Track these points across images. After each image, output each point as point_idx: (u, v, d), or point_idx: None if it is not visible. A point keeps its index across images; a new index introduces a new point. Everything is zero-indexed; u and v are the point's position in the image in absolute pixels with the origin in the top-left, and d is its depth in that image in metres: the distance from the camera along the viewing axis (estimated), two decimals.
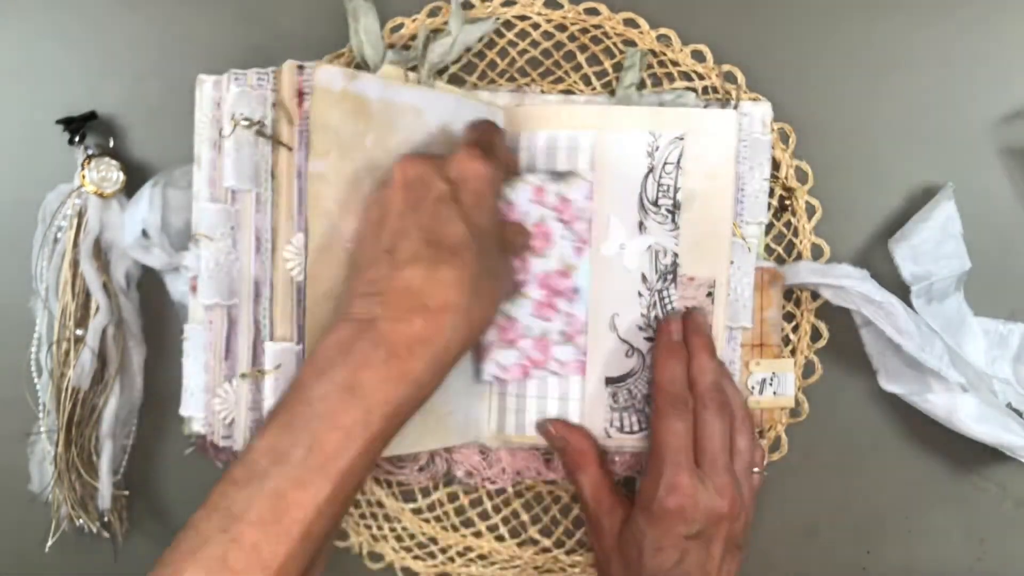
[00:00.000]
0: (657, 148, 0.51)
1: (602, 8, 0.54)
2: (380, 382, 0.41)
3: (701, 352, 0.50)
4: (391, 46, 0.54)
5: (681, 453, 0.48)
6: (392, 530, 0.56)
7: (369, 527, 0.56)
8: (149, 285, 0.54)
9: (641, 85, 0.54)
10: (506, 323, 0.51)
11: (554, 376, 0.52)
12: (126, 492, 0.54)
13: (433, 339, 0.42)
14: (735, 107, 0.52)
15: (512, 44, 0.55)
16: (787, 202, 0.55)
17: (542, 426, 0.52)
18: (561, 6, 0.54)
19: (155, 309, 0.54)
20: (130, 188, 0.52)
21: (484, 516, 0.56)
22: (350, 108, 0.47)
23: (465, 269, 0.43)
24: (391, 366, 0.41)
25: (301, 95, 0.46)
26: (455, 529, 0.56)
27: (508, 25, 0.55)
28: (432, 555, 0.56)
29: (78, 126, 0.52)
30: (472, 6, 0.54)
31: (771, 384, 0.53)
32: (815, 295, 0.55)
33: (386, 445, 0.42)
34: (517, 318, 0.51)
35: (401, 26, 0.54)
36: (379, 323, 0.42)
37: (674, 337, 0.50)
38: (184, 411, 0.50)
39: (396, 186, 0.45)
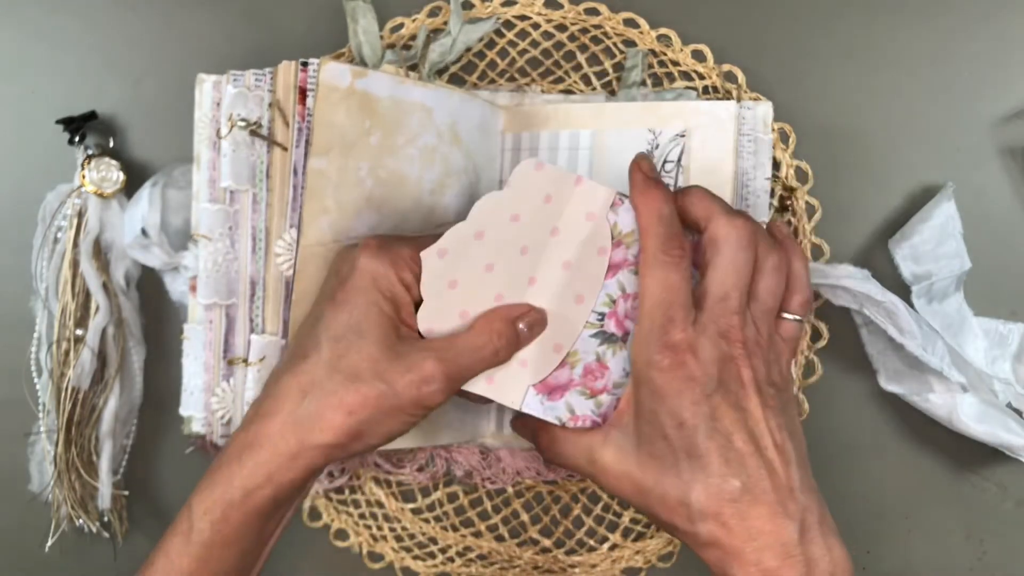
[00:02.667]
0: (657, 146, 0.51)
1: (602, 8, 0.54)
2: (207, 486, 0.42)
3: (699, 198, 0.44)
4: (391, 46, 0.54)
5: (674, 307, 0.41)
6: (392, 530, 0.56)
7: (369, 527, 0.56)
8: (149, 285, 0.54)
9: (641, 84, 0.54)
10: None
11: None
12: (126, 492, 0.54)
13: (257, 443, 0.42)
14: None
15: (512, 44, 0.55)
16: (787, 202, 0.55)
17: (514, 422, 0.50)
18: (561, 6, 0.54)
19: (155, 309, 0.54)
20: (130, 188, 0.52)
21: (484, 516, 0.56)
22: (356, 105, 0.46)
23: (303, 376, 0.42)
24: (220, 468, 0.42)
25: (303, 92, 0.46)
26: (455, 529, 0.56)
27: (508, 25, 0.55)
28: (432, 555, 0.56)
29: (78, 126, 0.52)
30: (472, 6, 0.54)
31: None
32: (815, 295, 0.55)
33: (249, 536, 0.43)
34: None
35: (401, 26, 0.54)
36: (246, 422, 0.43)
37: (649, 174, 0.45)
38: (184, 411, 0.50)
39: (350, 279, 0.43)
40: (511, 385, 0.45)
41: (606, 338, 0.46)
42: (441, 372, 0.42)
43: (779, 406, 0.42)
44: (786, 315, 0.44)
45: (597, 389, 0.46)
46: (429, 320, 0.43)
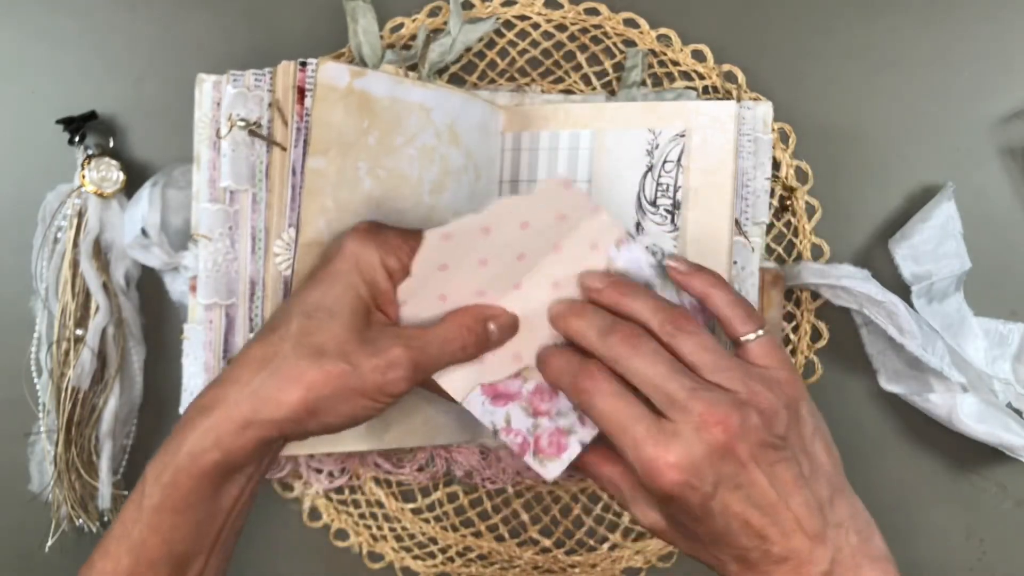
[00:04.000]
0: (657, 146, 0.51)
1: (602, 8, 0.54)
2: (161, 452, 0.42)
3: (566, 313, 0.44)
4: (391, 46, 0.54)
5: (628, 425, 0.40)
6: (392, 530, 0.56)
7: (369, 527, 0.56)
8: (149, 285, 0.54)
9: (641, 84, 0.54)
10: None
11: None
12: (126, 492, 0.54)
13: (209, 407, 0.41)
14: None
15: (512, 44, 0.55)
16: (787, 202, 0.55)
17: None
18: (561, 6, 0.54)
19: (155, 309, 0.54)
20: (130, 188, 0.52)
21: (484, 516, 0.56)
22: (355, 105, 0.46)
23: (268, 347, 0.42)
24: (175, 434, 0.42)
25: (302, 91, 0.46)
26: (455, 529, 0.56)
27: (508, 25, 0.55)
28: (432, 555, 0.56)
29: (78, 126, 0.52)
30: (472, 6, 0.54)
31: None
32: (815, 295, 0.55)
33: (201, 504, 0.42)
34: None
35: (401, 26, 0.54)
36: (204, 390, 0.43)
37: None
38: (184, 411, 0.50)
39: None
40: (460, 378, 0.45)
41: None
42: (408, 359, 0.42)
43: (790, 453, 0.40)
44: (744, 339, 0.42)
45: (540, 410, 0.45)
46: (408, 292, 0.44)
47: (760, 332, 0.42)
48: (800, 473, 0.40)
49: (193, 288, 0.49)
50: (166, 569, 0.41)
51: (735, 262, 0.51)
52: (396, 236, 0.44)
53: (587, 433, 0.45)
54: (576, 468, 0.46)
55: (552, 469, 0.45)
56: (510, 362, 0.45)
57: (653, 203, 0.51)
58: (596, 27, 0.54)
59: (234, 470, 0.42)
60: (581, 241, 0.45)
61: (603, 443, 0.44)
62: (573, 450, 0.45)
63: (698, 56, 0.54)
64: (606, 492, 0.47)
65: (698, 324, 0.42)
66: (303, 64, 0.46)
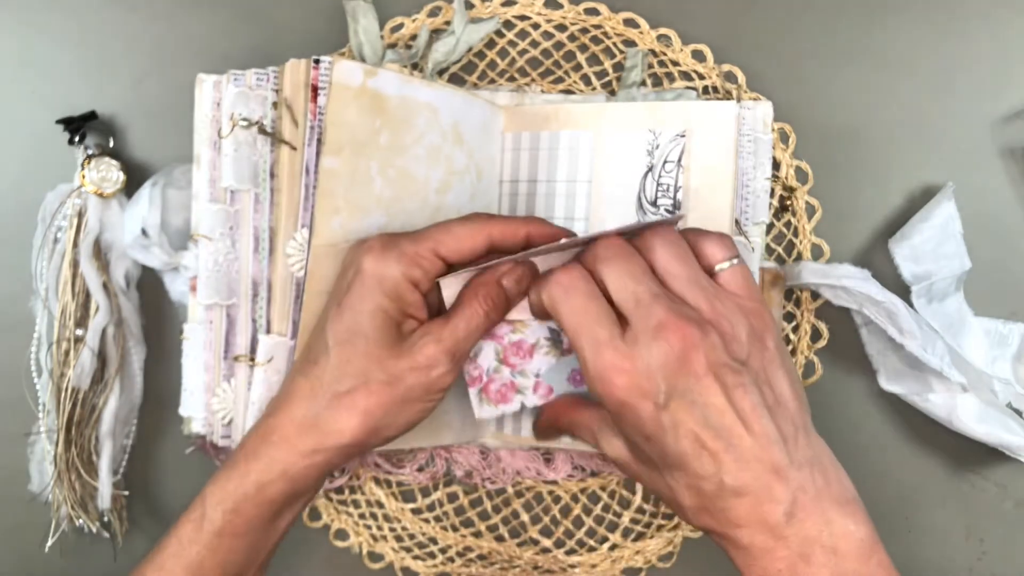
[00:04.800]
0: (657, 146, 0.51)
1: (602, 8, 0.54)
2: (223, 479, 0.43)
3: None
4: (391, 46, 0.54)
5: (593, 326, 0.40)
6: (392, 530, 0.56)
7: (369, 527, 0.56)
8: (149, 285, 0.54)
9: (641, 84, 0.54)
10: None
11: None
12: (126, 492, 0.54)
13: (273, 441, 0.43)
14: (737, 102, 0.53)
15: (512, 44, 0.55)
16: (787, 202, 0.55)
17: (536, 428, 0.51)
18: (561, 6, 0.54)
19: (155, 309, 0.54)
20: (130, 188, 0.52)
21: (484, 516, 0.56)
22: (367, 104, 0.46)
23: (315, 380, 0.43)
24: (238, 462, 0.43)
25: (315, 89, 0.46)
26: (455, 529, 0.56)
27: (508, 25, 0.55)
28: (432, 555, 0.56)
29: (78, 126, 0.52)
30: (472, 6, 0.54)
31: None
32: (815, 295, 0.55)
33: (260, 528, 0.44)
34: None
35: (401, 26, 0.54)
36: (264, 417, 0.45)
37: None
38: (184, 411, 0.50)
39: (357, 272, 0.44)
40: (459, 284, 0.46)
41: (555, 336, 0.47)
42: (443, 352, 0.43)
43: (751, 380, 0.39)
44: (718, 268, 0.42)
45: (509, 362, 0.48)
46: (453, 283, 0.45)
47: (734, 261, 0.41)
48: (762, 402, 0.39)
49: (193, 288, 0.49)
50: None
51: None
52: (410, 245, 0.43)
53: (533, 400, 0.47)
54: (555, 429, 0.49)
55: (486, 411, 0.48)
56: (516, 310, 0.46)
57: (653, 203, 0.51)
58: (596, 27, 0.54)
59: (297, 498, 0.44)
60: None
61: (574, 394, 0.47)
62: (512, 406, 0.48)
63: (698, 56, 0.54)
64: (580, 439, 0.48)
65: (681, 239, 0.41)
66: (316, 62, 0.46)
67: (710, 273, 0.42)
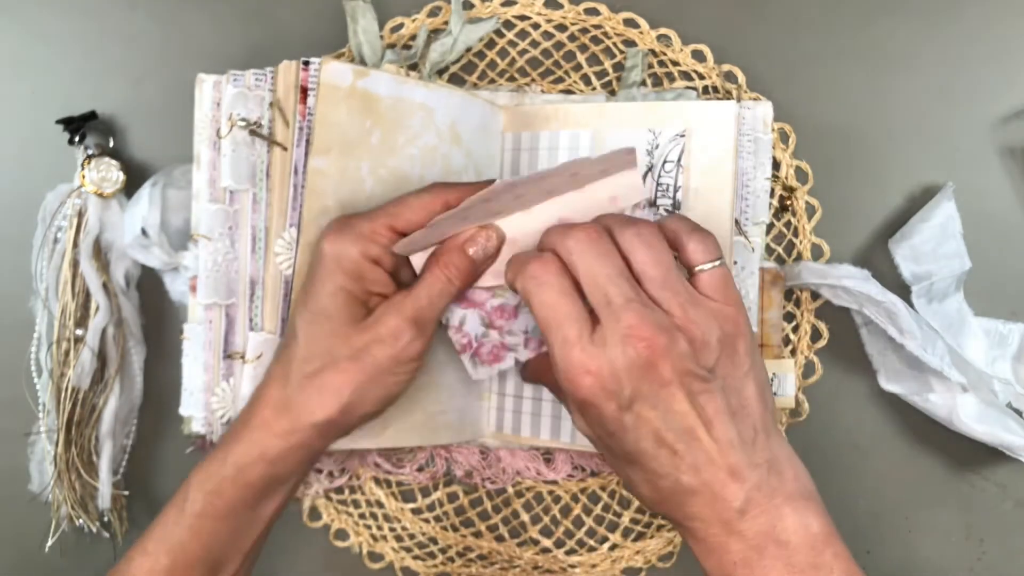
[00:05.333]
0: (657, 146, 0.51)
1: (602, 8, 0.54)
2: (206, 462, 0.44)
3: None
4: (391, 46, 0.54)
5: (564, 323, 0.40)
6: (392, 530, 0.56)
7: (369, 527, 0.56)
8: (149, 285, 0.54)
9: (641, 84, 0.54)
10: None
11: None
12: (126, 492, 0.54)
13: (251, 424, 0.44)
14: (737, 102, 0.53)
15: (512, 44, 0.55)
16: (787, 202, 0.55)
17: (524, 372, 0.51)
18: (561, 6, 0.54)
19: (155, 309, 0.54)
20: (130, 188, 0.52)
21: (484, 516, 0.56)
22: (358, 105, 0.46)
23: (288, 364, 0.44)
24: (220, 446, 0.44)
25: (305, 91, 0.46)
26: (455, 529, 0.56)
27: (508, 25, 0.55)
28: (432, 555, 0.56)
29: (78, 126, 0.53)
30: (472, 6, 0.54)
31: (771, 385, 0.53)
32: (815, 295, 0.55)
33: (241, 511, 0.44)
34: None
35: (401, 26, 0.54)
36: (246, 405, 0.46)
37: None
38: (184, 411, 0.50)
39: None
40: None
41: None
42: (405, 320, 0.43)
43: (718, 386, 0.40)
44: (698, 269, 0.41)
45: (495, 324, 0.48)
46: (416, 241, 0.45)
47: (716, 263, 0.41)
48: (726, 408, 0.39)
49: (193, 288, 0.49)
50: (202, 570, 0.43)
51: (735, 262, 0.51)
52: (365, 223, 0.44)
53: (525, 354, 0.48)
54: (539, 382, 0.49)
55: (481, 372, 0.48)
56: (491, 277, 0.46)
57: (653, 203, 0.51)
58: (596, 27, 0.54)
59: (279, 483, 0.44)
60: (605, 189, 0.46)
61: None
62: (507, 363, 0.48)
63: (698, 56, 0.54)
64: (556, 398, 0.49)
65: (662, 240, 0.41)
66: (306, 63, 0.46)
67: (690, 270, 0.42)
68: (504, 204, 0.45)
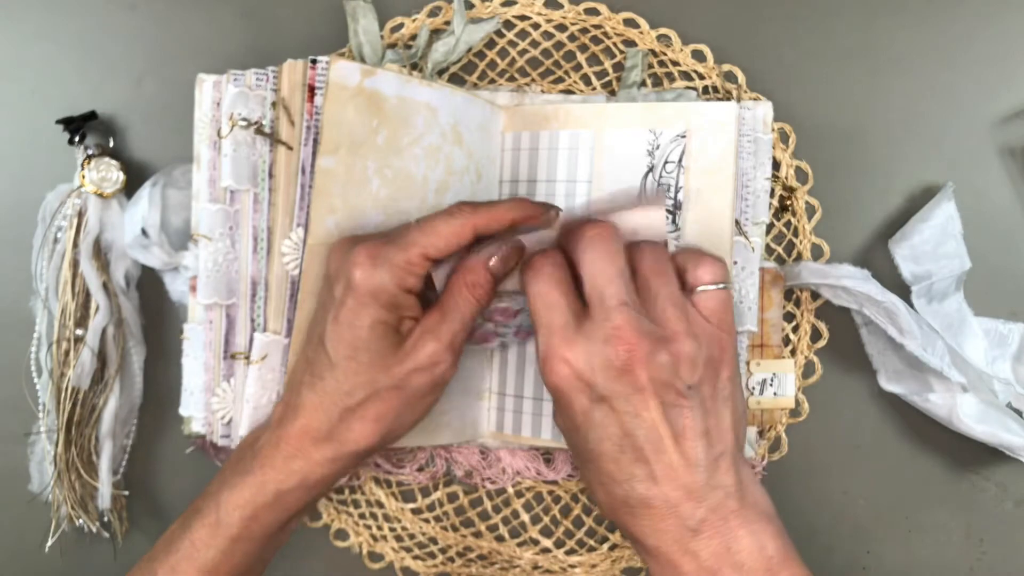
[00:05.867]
0: (658, 147, 0.51)
1: (602, 8, 0.54)
2: (240, 485, 0.44)
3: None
4: (391, 46, 0.54)
5: (553, 310, 0.41)
6: (392, 530, 0.56)
7: (369, 527, 0.56)
8: (149, 285, 0.54)
9: (641, 84, 0.54)
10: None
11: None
12: (126, 492, 0.54)
13: (290, 453, 0.44)
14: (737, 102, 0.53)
15: (512, 44, 0.55)
16: (787, 202, 0.55)
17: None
18: (561, 6, 0.54)
19: (155, 309, 0.54)
20: (130, 188, 0.52)
21: (484, 516, 0.56)
22: (364, 104, 0.46)
23: (325, 396, 0.43)
24: (254, 468, 0.44)
25: (312, 89, 0.46)
26: (455, 529, 0.56)
27: (508, 25, 0.55)
28: (432, 555, 0.56)
29: (78, 126, 0.52)
30: (472, 6, 0.54)
31: (771, 384, 0.53)
32: (815, 295, 0.55)
33: (274, 532, 0.45)
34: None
35: (401, 26, 0.54)
36: (274, 426, 0.45)
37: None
38: (184, 411, 0.50)
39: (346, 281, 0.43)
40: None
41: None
42: (442, 347, 0.43)
43: (697, 403, 0.40)
44: (701, 288, 0.42)
45: (494, 319, 0.49)
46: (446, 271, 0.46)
47: (719, 286, 0.42)
48: (699, 426, 0.40)
49: (193, 288, 0.49)
50: None
51: (735, 262, 0.51)
52: (399, 254, 0.43)
53: (514, 340, 0.51)
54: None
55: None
56: (508, 282, 0.47)
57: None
58: (596, 27, 0.54)
59: (313, 501, 0.45)
60: (631, 219, 0.46)
61: None
62: (492, 345, 0.50)
63: (698, 56, 0.54)
64: None
65: (668, 258, 0.42)
66: (313, 62, 0.46)
67: (691, 290, 0.43)
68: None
